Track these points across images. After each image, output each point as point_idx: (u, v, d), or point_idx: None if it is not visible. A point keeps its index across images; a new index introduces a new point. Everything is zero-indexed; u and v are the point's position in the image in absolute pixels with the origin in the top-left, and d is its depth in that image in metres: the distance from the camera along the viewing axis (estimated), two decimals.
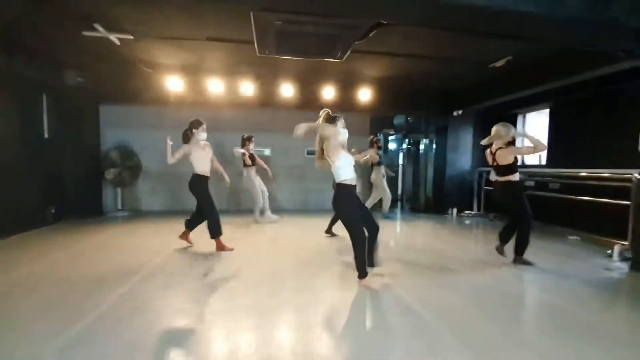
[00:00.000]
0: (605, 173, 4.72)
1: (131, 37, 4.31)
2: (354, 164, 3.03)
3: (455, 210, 7.33)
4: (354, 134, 7.18)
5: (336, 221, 4.86)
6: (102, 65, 5.67)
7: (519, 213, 3.65)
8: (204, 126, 4.16)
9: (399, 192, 9.61)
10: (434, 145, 7.77)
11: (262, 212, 6.10)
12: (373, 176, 6.63)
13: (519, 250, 3.73)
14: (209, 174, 4.20)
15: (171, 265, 3.62)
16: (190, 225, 4.27)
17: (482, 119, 7.49)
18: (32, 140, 5.30)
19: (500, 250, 3.87)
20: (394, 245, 4.75)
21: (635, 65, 3.81)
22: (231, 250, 4.14)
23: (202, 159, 4.12)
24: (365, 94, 6.84)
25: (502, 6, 2.50)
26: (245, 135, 6.15)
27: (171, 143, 4.03)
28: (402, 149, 9.83)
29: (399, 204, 9.22)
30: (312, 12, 2.56)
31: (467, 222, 6.89)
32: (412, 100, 7.16)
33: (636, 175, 4.03)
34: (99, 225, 5.72)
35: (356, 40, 3.31)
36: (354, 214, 2.95)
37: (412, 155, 9.13)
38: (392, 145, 10.29)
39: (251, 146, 6.06)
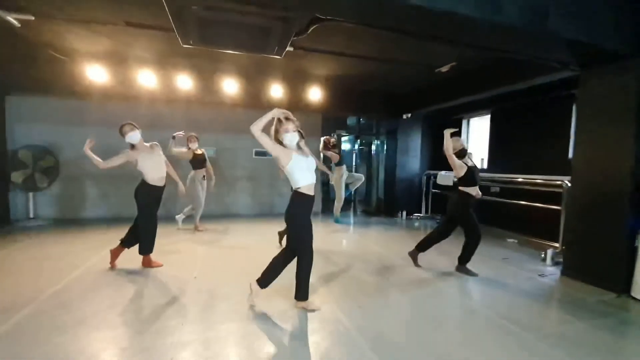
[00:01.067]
0: (539, 179, 4.93)
1: (32, 17, 3.60)
2: (313, 168, 2.67)
3: (404, 213, 7.36)
4: (305, 134, 6.90)
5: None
6: (4, 49, 4.78)
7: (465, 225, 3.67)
8: (133, 125, 3.49)
9: (352, 194, 9.54)
10: (385, 148, 7.75)
11: (188, 217, 5.59)
12: (335, 176, 6.38)
13: (464, 259, 3.71)
14: (162, 183, 3.60)
15: (76, 292, 3.05)
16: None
17: (431, 122, 7.61)
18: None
19: (413, 256, 3.97)
20: (338, 255, 4.53)
21: (569, 76, 3.96)
22: (160, 265, 3.65)
23: (153, 167, 3.50)
24: (315, 93, 6.57)
25: (439, 7, 2.34)
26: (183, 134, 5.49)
27: (90, 145, 3.40)
28: (354, 150, 9.77)
29: (351, 206, 9.13)
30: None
31: (416, 224, 6.94)
32: (363, 101, 7.04)
33: (566, 182, 4.20)
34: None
35: (295, 36, 3.00)
36: (306, 228, 2.61)
37: (365, 156, 9.09)
38: (345, 146, 10.19)
39: (195, 145, 5.38)
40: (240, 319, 2.54)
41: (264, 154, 7.26)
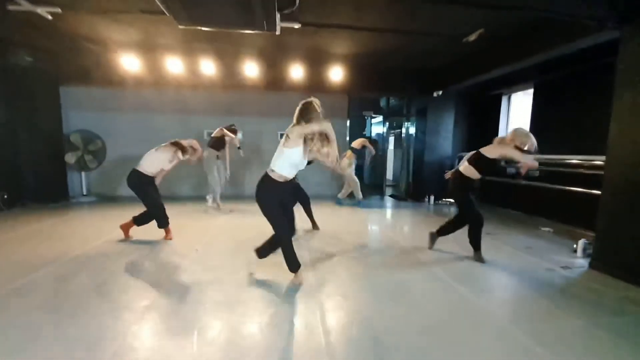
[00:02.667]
0: (577, 159, 4.30)
1: (59, 10, 3.97)
2: (300, 168, 2.66)
3: (432, 197, 6.96)
4: (332, 116, 6.83)
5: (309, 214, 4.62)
6: (51, 42, 5.37)
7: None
8: None
9: (385, 178, 9.24)
10: (413, 130, 7.34)
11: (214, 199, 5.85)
12: (344, 164, 6.24)
13: (473, 246, 3.48)
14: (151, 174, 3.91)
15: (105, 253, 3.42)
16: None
17: (465, 100, 7.00)
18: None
19: (432, 238, 3.79)
20: (335, 239, 4.45)
21: (613, 38, 3.33)
22: (170, 238, 3.95)
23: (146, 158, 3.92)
24: (337, 73, 6.41)
25: None
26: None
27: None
28: (391, 133, 9.41)
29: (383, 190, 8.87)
30: None
31: (444, 209, 6.55)
32: (389, 79, 6.69)
33: None
34: (53, 211, 5.56)
35: (283, 10, 2.91)
36: (272, 209, 2.64)
37: (399, 138, 8.71)
38: (377, 129, 9.86)
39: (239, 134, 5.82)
40: (238, 285, 2.65)
41: None
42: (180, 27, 3.14)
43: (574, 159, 4.34)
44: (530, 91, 6.03)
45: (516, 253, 3.74)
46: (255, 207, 2.70)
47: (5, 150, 5.54)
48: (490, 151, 3.26)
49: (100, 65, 5.83)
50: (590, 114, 4.75)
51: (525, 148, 3.09)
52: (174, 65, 5.94)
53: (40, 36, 5.02)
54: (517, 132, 3.19)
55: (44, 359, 1.79)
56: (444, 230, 3.69)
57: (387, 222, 5.48)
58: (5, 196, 5.42)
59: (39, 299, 2.47)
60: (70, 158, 6.34)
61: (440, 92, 6.57)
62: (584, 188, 4.34)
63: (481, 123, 6.81)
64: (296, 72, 6.35)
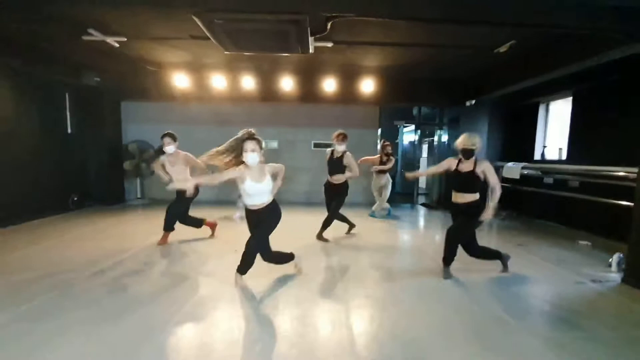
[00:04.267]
0: (621, 172, 4.15)
1: (124, 39, 4.62)
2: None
3: None
4: (363, 127, 7.00)
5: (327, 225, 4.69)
6: (116, 65, 6.14)
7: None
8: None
9: (417, 187, 9.26)
10: (446, 138, 7.34)
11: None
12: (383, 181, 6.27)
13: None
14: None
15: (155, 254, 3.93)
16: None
17: (500, 109, 6.90)
18: (55, 135, 5.97)
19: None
20: (362, 248, 4.63)
21: None
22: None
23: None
24: (368, 85, 6.63)
25: None
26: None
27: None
28: (424, 141, 9.42)
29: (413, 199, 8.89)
30: (247, 10, 2.56)
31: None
32: (420, 89, 6.79)
33: None
34: (114, 212, 6.31)
35: (315, 34, 3.23)
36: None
37: (430, 147, 8.71)
38: (408, 138, 9.90)
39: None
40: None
41: (322, 145, 7.65)
42: (226, 52, 3.56)
43: (619, 171, 4.18)
44: (569, 99, 5.86)
45: (545, 265, 3.71)
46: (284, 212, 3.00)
47: (77, 157, 6.41)
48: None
49: (155, 83, 6.55)
50: (634, 122, 4.55)
51: (469, 147, 3.15)
52: (217, 81, 6.51)
53: (106, 60, 5.79)
54: (461, 137, 3.24)
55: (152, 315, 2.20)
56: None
57: (416, 231, 5.57)
58: (76, 198, 6.24)
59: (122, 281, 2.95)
60: (128, 165, 7.13)
61: (473, 102, 6.56)
62: (627, 200, 4.17)
63: (517, 132, 6.68)
64: (329, 85, 6.67)
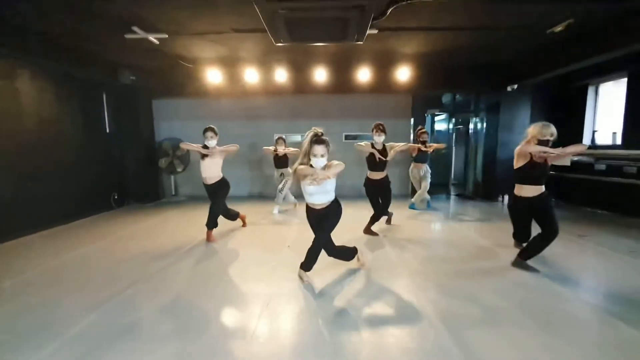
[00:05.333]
0: None
1: (166, 35, 4.57)
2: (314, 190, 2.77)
3: (506, 197, 6.67)
4: (395, 117, 6.78)
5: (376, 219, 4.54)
6: (150, 63, 6.15)
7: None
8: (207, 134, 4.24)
9: (452, 177, 9.04)
10: (485, 125, 7.08)
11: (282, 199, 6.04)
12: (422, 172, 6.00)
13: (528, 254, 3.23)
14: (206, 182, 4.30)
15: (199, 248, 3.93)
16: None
17: (543, 93, 6.59)
18: (95, 135, 6.04)
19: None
20: (423, 241, 4.51)
21: None
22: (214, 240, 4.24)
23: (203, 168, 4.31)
24: (404, 73, 6.43)
25: None
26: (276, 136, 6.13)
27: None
28: (452, 130, 9.14)
29: (448, 189, 8.68)
30: None
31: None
32: (457, 76, 6.54)
33: None
34: (152, 210, 6.37)
35: (373, 20, 3.08)
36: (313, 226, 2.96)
37: (462, 136, 8.43)
38: (440, 126, 9.62)
39: (281, 148, 5.88)
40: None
41: (353, 137, 7.51)
42: (277, 44, 3.45)
43: None
44: (623, 80, 5.52)
45: (618, 257, 3.51)
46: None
47: (116, 156, 6.47)
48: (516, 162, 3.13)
49: (188, 79, 6.52)
50: None
51: (546, 138, 2.92)
52: (250, 75, 6.43)
53: (143, 58, 5.78)
54: (533, 127, 3.04)
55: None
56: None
57: (463, 222, 5.40)
58: (116, 196, 6.33)
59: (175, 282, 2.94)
60: (162, 163, 7.18)
61: (515, 86, 6.28)
62: None
63: (563, 117, 6.37)
64: (362, 74, 6.50)
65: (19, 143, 4.59)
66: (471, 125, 7.70)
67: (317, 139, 2.68)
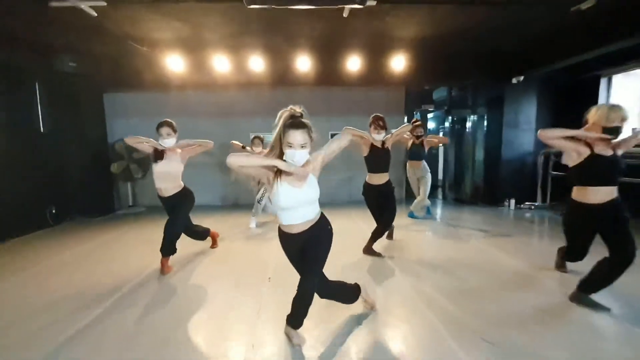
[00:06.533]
0: None
1: (104, 3, 3.51)
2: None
3: (512, 201, 6.01)
4: (386, 113, 5.97)
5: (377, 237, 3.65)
6: (97, 47, 5.02)
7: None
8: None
9: (440, 178, 8.36)
10: (485, 122, 6.41)
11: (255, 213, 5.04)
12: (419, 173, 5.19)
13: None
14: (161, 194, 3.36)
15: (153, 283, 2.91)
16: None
17: (549, 85, 5.99)
18: (26, 135, 4.84)
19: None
20: (433, 259, 3.69)
21: None
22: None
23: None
24: (399, 62, 5.64)
25: None
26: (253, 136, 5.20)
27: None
28: (442, 128, 8.49)
29: (439, 193, 8.00)
30: None
31: (527, 215, 5.60)
32: (456, 66, 5.83)
33: None
34: (102, 225, 5.22)
35: None
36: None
37: (456, 134, 7.78)
38: (431, 125, 8.97)
39: (257, 149, 5.00)
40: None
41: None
42: (250, 7, 2.53)
43: None
44: (637, 72, 4.98)
45: None
46: None
47: (52, 161, 5.26)
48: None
49: (144, 68, 5.43)
50: None
51: (615, 124, 2.18)
52: (219, 63, 5.43)
53: (84, 39, 4.66)
54: (597, 110, 2.25)
55: None
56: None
57: (475, 234, 4.64)
58: (54, 211, 5.13)
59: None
60: (115, 168, 6.01)
61: (522, 78, 5.63)
62: None
63: (572, 110, 5.76)
64: (351, 64, 5.66)
65: None
66: (468, 123, 7.04)
67: (293, 122, 1.79)
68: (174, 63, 5.34)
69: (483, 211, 5.91)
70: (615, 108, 2.22)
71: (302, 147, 1.78)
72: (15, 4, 3.60)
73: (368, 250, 3.62)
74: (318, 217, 1.96)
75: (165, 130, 3.21)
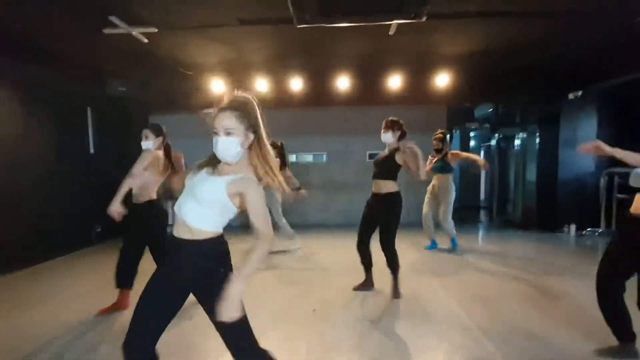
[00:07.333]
0: None
1: (155, 29, 3.63)
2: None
3: (573, 226, 5.43)
4: (427, 132, 5.68)
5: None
6: (143, 71, 5.26)
7: None
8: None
9: (482, 199, 7.87)
10: (537, 140, 5.94)
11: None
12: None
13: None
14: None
15: None
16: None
17: (611, 101, 5.47)
18: (76, 156, 5.06)
19: None
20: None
21: None
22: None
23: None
24: (442, 80, 5.42)
25: None
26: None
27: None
28: (485, 146, 8.05)
29: (484, 215, 7.49)
30: None
31: (588, 242, 5.03)
32: (507, 82, 5.50)
33: None
34: None
35: None
36: None
37: (502, 153, 7.31)
38: (472, 143, 8.55)
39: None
40: None
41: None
42: (299, 26, 2.45)
43: None
44: None
45: None
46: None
47: (99, 182, 5.44)
48: None
49: (190, 91, 5.60)
50: None
51: None
52: (260, 84, 5.49)
53: (132, 63, 4.88)
54: None
55: None
56: None
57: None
58: (99, 230, 5.27)
59: None
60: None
61: (580, 93, 5.18)
62: None
63: (638, 128, 5.23)
64: (391, 82, 5.51)
65: None
66: (517, 141, 6.58)
67: (225, 104, 1.40)
68: (217, 85, 5.45)
69: (537, 236, 5.39)
70: None
71: (228, 133, 1.35)
72: (71, 31, 3.81)
73: (395, 293, 3.07)
74: (202, 236, 1.36)
75: (144, 132, 3.06)
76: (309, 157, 6.80)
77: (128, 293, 2.93)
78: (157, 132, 3.07)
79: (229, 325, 1.27)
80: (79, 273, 4.03)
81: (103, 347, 2.31)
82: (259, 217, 1.32)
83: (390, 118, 3.16)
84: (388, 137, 3.11)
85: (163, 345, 1.39)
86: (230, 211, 1.38)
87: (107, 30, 3.58)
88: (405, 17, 2.33)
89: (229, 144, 1.34)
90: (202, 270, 1.35)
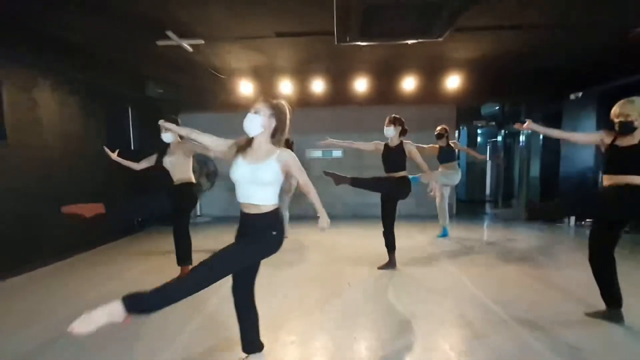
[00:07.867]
0: None
1: (202, 41, 4.12)
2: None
3: (572, 219, 5.90)
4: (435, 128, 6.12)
5: None
6: (178, 75, 5.73)
7: None
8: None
9: (487, 194, 8.32)
10: (541, 137, 6.38)
11: None
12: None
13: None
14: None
15: None
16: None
17: (609, 101, 5.85)
18: (122, 153, 5.58)
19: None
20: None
21: None
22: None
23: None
24: (452, 81, 5.86)
25: None
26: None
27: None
28: (490, 142, 8.49)
29: (488, 207, 7.95)
30: None
31: (586, 232, 5.47)
32: (513, 83, 5.94)
33: None
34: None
35: (466, 8, 2.53)
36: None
37: (507, 149, 7.76)
38: (480, 140, 8.99)
39: None
40: None
41: None
42: (341, 44, 2.92)
43: None
44: None
45: None
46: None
47: (139, 175, 5.98)
48: None
49: (218, 92, 6.08)
50: None
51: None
52: (284, 86, 5.96)
53: (171, 69, 5.36)
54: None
55: None
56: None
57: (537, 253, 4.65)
58: (140, 219, 5.81)
59: None
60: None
61: (580, 94, 5.61)
62: None
63: None
64: (406, 84, 5.96)
65: (36, 158, 4.11)
66: (522, 138, 7.03)
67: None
68: (245, 87, 5.93)
69: (538, 227, 5.85)
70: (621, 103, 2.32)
71: (256, 112, 1.79)
72: (128, 43, 4.31)
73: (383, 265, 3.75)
74: (267, 210, 1.79)
75: (162, 125, 3.17)
76: (327, 154, 7.26)
77: (188, 269, 3.37)
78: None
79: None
80: (132, 255, 4.55)
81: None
82: (302, 174, 1.84)
83: (393, 115, 3.63)
84: (390, 131, 3.58)
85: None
86: (281, 181, 1.84)
87: (160, 42, 4.07)
88: (430, 37, 2.79)
89: (254, 119, 1.78)
90: (268, 233, 1.79)
